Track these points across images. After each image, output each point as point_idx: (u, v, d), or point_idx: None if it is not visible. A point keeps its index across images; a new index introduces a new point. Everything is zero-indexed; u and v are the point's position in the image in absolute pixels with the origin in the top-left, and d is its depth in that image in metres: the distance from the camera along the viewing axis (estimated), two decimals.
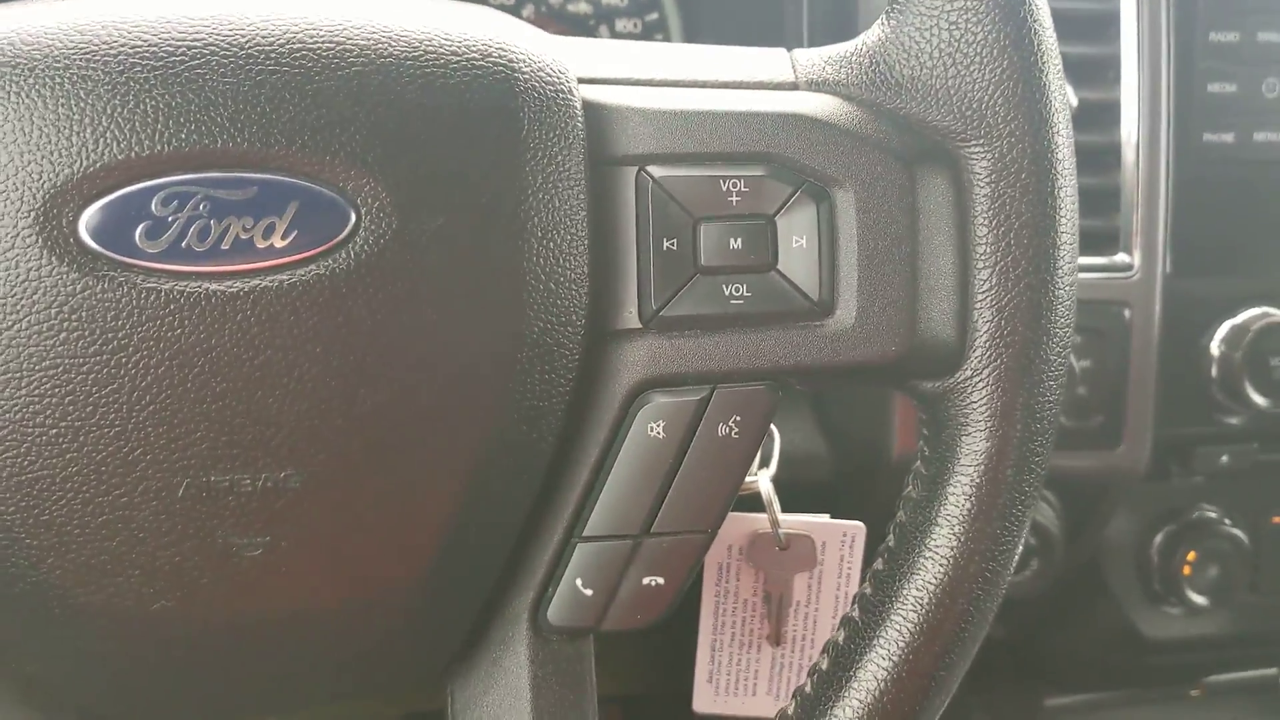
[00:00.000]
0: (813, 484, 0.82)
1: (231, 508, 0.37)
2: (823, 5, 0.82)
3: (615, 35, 0.91)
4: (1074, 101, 0.74)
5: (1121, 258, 0.76)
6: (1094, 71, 0.76)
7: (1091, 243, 0.76)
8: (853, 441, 0.81)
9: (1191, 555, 0.85)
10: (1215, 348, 0.78)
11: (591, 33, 0.91)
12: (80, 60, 0.36)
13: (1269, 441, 0.84)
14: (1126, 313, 0.75)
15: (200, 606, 0.38)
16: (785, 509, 0.67)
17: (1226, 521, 0.86)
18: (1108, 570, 0.89)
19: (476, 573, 0.42)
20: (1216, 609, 0.86)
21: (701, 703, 0.68)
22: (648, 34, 0.92)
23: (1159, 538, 0.87)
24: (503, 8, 0.89)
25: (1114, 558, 0.88)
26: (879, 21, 0.43)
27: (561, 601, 0.43)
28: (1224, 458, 0.82)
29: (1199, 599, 0.85)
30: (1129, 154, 0.76)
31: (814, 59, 0.44)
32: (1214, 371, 0.78)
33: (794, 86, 0.43)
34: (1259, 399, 0.76)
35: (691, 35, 0.92)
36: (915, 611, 0.42)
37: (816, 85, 0.43)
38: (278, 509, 0.37)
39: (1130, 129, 0.76)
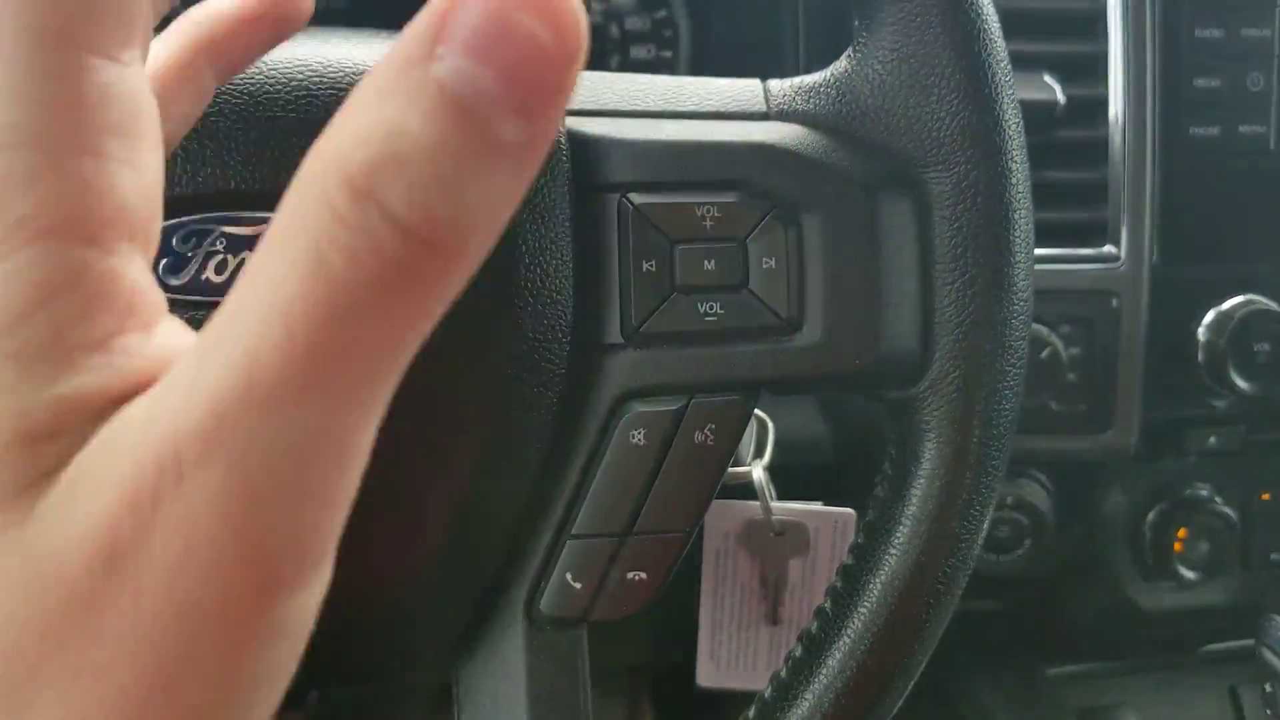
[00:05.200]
0: (814, 467, 0.84)
1: None
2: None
3: (624, 31, 0.93)
4: (1062, 99, 0.76)
5: (1109, 249, 0.77)
6: (1081, 68, 0.78)
7: (1080, 234, 0.78)
8: (852, 426, 0.83)
9: (1183, 532, 0.87)
10: (1201, 334, 0.80)
11: (601, 30, 0.93)
12: None
13: (1255, 423, 0.85)
14: (1114, 301, 0.77)
15: None
16: (787, 492, 0.69)
17: (1217, 500, 0.88)
18: (1103, 546, 0.91)
19: (476, 566, 0.45)
20: (1208, 582, 0.88)
21: (704, 677, 0.71)
22: (656, 30, 0.93)
23: (1152, 515, 0.89)
24: None
25: (1109, 535, 0.90)
26: (846, 54, 0.45)
27: (553, 594, 0.46)
28: (1212, 439, 0.84)
29: (1190, 574, 0.87)
30: (1116, 148, 0.77)
31: (785, 89, 0.46)
32: (1200, 357, 0.80)
33: (765, 116, 0.46)
34: (1243, 383, 0.78)
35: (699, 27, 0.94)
36: (882, 604, 0.45)
37: (787, 115, 0.46)
38: None
39: (1117, 124, 0.77)
